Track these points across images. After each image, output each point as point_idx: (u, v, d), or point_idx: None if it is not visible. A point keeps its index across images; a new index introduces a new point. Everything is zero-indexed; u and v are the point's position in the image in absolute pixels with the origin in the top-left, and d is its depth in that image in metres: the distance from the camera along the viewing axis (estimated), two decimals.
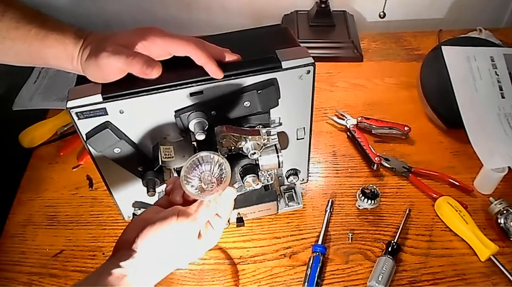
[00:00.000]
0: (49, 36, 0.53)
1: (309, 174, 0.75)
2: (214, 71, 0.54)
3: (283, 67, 0.57)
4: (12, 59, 0.56)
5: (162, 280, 0.49)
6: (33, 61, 0.57)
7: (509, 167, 0.76)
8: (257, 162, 0.60)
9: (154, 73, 0.51)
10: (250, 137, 0.58)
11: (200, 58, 0.54)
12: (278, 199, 0.71)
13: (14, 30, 0.53)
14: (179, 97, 0.56)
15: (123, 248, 0.47)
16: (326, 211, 0.75)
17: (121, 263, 0.45)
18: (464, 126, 0.81)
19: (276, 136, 0.62)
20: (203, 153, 0.50)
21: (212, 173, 0.50)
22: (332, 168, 0.83)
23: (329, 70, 1.03)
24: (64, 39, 0.54)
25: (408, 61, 1.06)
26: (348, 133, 0.89)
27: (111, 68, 0.52)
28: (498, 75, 0.86)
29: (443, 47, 0.88)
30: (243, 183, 0.62)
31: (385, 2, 0.97)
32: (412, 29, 1.14)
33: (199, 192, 0.49)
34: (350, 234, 0.73)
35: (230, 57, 0.57)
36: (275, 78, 0.57)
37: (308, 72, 0.58)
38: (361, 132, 0.87)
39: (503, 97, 0.84)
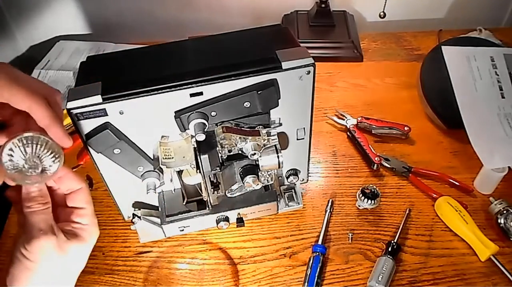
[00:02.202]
0: None
1: (309, 174, 0.75)
2: (61, 137, 0.46)
3: (283, 67, 0.56)
4: None
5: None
6: None
7: (509, 167, 0.76)
8: (257, 162, 0.60)
9: None
10: (250, 137, 0.58)
11: (43, 118, 0.45)
12: (278, 199, 0.72)
13: None
14: (179, 98, 0.56)
15: None
16: (326, 211, 0.75)
17: None
18: (464, 126, 0.81)
19: (276, 137, 0.62)
20: (33, 134, 0.43)
21: (39, 157, 0.44)
22: (332, 168, 0.83)
23: (329, 70, 1.03)
24: None
25: (408, 61, 1.06)
26: (348, 133, 0.89)
27: None
28: (498, 75, 0.86)
29: (443, 47, 0.88)
30: (243, 184, 0.62)
31: (385, 2, 0.97)
32: (412, 29, 1.14)
33: (15, 172, 0.43)
34: (350, 234, 0.73)
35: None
36: (275, 79, 0.57)
37: (308, 72, 0.58)
38: (361, 132, 0.87)
39: (503, 97, 0.84)
